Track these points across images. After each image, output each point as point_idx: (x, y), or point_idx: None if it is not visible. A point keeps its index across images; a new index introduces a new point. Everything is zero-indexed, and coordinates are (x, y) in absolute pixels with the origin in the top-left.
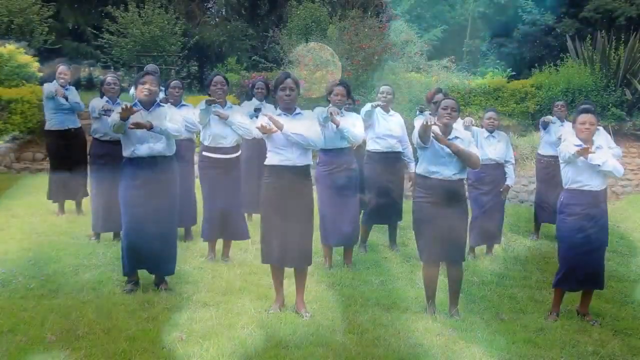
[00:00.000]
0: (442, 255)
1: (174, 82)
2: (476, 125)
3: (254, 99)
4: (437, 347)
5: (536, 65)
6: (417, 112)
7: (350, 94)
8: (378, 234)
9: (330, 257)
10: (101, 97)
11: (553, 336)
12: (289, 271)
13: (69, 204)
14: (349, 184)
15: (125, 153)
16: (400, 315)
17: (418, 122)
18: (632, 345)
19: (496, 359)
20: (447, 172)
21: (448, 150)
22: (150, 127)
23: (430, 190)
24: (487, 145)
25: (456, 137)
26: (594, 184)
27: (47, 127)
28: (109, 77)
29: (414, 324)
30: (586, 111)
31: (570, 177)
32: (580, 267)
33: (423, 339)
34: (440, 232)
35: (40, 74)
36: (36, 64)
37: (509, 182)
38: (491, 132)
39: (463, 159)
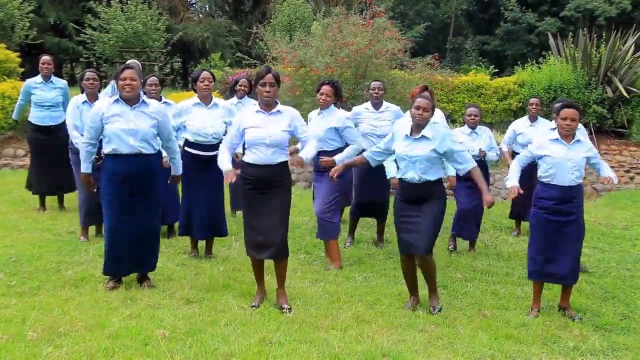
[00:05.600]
0: (407, 246)
1: (150, 78)
2: (458, 121)
3: (234, 97)
4: (420, 343)
5: (519, 62)
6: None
7: (339, 92)
8: (362, 231)
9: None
10: (81, 92)
11: (535, 332)
12: (272, 268)
13: (50, 201)
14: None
15: (106, 150)
16: (384, 311)
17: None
18: (613, 340)
19: (478, 355)
20: (412, 175)
21: (411, 153)
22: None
23: (402, 190)
24: (471, 142)
25: (423, 137)
26: (566, 179)
27: (29, 118)
28: (88, 73)
29: (397, 320)
30: (569, 106)
31: (544, 170)
32: (551, 260)
33: (406, 335)
34: (407, 226)
35: (22, 70)
36: (17, 59)
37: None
38: (473, 128)
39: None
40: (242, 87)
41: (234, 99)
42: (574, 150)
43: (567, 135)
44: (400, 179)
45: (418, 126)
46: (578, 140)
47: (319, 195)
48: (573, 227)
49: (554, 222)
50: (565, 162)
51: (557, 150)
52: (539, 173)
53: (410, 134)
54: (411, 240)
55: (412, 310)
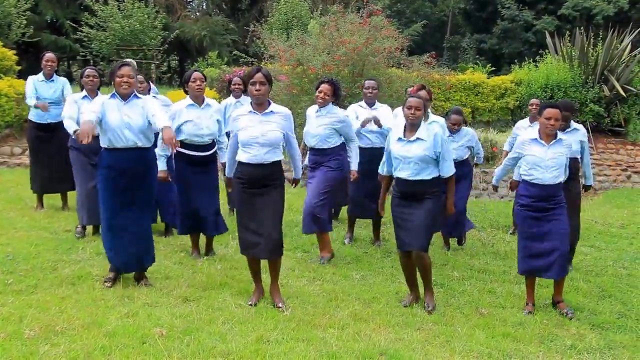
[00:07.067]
0: (404, 243)
1: (138, 77)
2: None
3: (231, 96)
4: (417, 342)
5: (516, 61)
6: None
7: (338, 91)
8: (359, 230)
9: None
10: (81, 89)
11: (532, 330)
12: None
13: (48, 199)
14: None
15: (103, 143)
16: (381, 309)
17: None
18: (610, 339)
19: (476, 353)
20: (406, 174)
21: (404, 153)
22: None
23: (397, 187)
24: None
25: (418, 139)
26: (545, 177)
27: (29, 116)
28: (88, 70)
29: (394, 319)
30: (552, 106)
31: (523, 169)
32: (536, 255)
33: (404, 334)
34: (403, 223)
35: (18, 68)
36: (14, 57)
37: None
38: (453, 134)
39: None
40: (237, 86)
41: (232, 99)
42: (554, 150)
43: (549, 135)
44: (396, 177)
45: (412, 126)
46: (559, 140)
47: (310, 190)
48: (556, 223)
49: (535, 218)
50: (544, 161)
51: (535, 150)
52: (520, 171)
53: (404, 134)
54: (406, 237)
55: (408, 306)
